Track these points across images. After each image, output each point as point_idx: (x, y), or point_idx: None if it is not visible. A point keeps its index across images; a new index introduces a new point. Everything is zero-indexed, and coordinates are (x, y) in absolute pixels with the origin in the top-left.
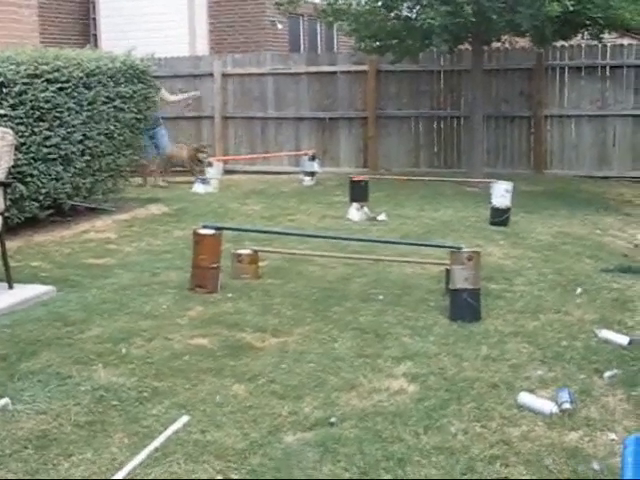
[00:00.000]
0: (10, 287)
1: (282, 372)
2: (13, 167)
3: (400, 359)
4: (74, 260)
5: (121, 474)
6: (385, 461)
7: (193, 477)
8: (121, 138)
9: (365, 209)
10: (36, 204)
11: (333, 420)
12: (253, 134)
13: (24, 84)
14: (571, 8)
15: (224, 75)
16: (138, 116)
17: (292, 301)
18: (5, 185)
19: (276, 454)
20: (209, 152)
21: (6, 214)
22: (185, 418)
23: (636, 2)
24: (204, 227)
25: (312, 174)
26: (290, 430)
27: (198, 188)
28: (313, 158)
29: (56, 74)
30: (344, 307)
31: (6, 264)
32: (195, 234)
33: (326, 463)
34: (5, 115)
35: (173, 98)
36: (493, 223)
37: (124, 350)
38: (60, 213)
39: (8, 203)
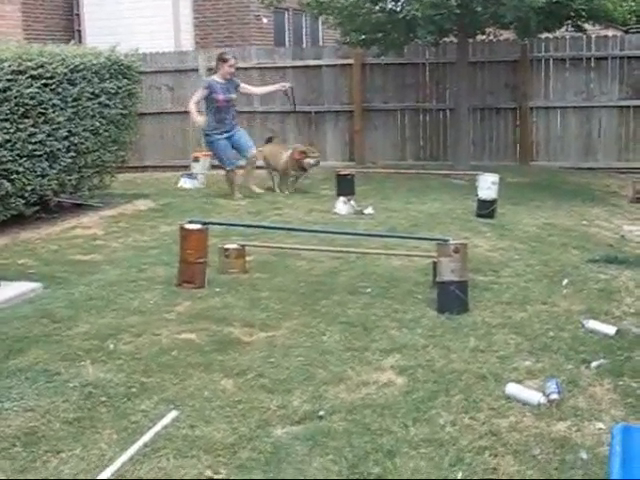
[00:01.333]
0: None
1: (270, 366)
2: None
3: (388, 352)
4: (61, 257)
5: (110, 470)
6: (374, 453)
7: (182, 472)
8: (107, 134)
9: (352, 202)
10: (22, 201)
11: (322, 413)
12: None
13: (8, 80)
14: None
15: (209, 70)
16: (123, 112)
17: (280, 295)
18: None
19: (265, 448)
20: (319, 157)
21: None
22: (174, 413)
23: None
24: (191, 222)
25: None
26: (279, 424)
27: (184, 183)
28: None
29: (40, 70)
30: (332, 300)
31: None
32: (182, 229)
33: (315, 456)
34: None
35: (258, 91)
36: (480, 215)
37: (112, 346)
38: (46, 210)
39: None
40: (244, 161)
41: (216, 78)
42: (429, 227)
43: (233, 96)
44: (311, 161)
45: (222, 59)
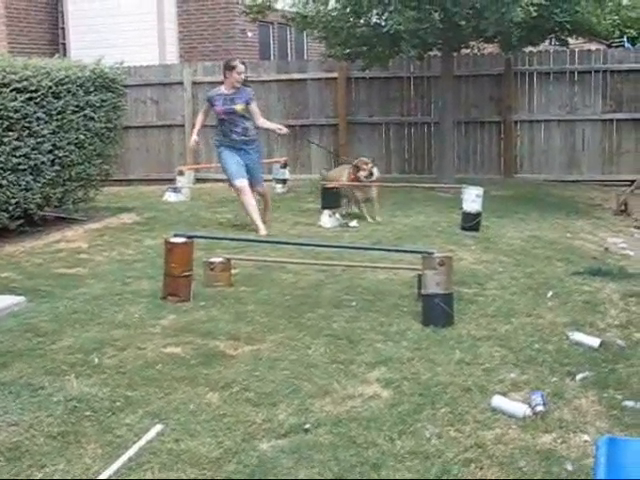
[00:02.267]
0: None
1: (256, 379)
2: None
3: (374, 365)
4: (45, 270)
5: None
6: (360, 466)
7: None
8: (91, 147)
9: (336, 216)
10: (6, 214)
11: (307, 426)
12: None
13: None
14: (534, 14)
15: (194, 83)
16: (108, 125)
17: (265, 308)
18: None
19: (251, 461)
20: (371, 166)
21: None
22: (159, 427)
23: (602, 6)
24: (175, 235)
25: (284, 181)
26: (264, 437)
27: (169, 197)
28: (285, 166)
29: (25, 83)
30: (317, 314)
31: None
32: (166, 243)
33: (301, 469)
34: None
35: (261, 122)
36: (464, 228)
37: (96, 360)
38: (30, 223)
39: None
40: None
41: (222, 88)
42: (414, 240)
43: (237, 107)
44: (363, 174)
45: (229, 66)
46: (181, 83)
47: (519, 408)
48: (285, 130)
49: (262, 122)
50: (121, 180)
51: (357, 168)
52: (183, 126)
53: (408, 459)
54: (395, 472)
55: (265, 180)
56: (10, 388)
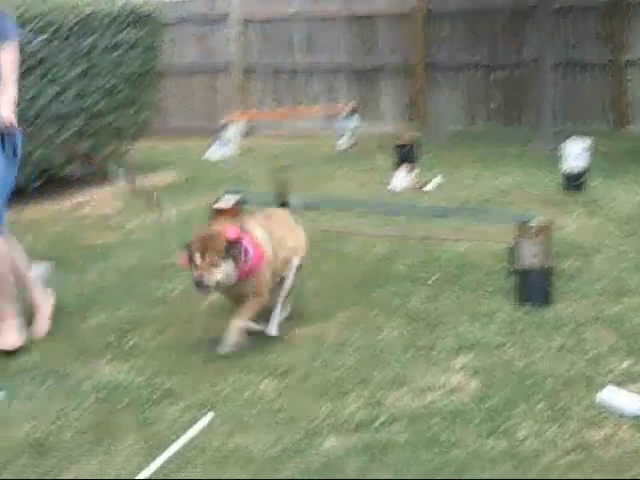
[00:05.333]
0: None
1: (319, 366)
2: None
3: (458, 351)
4: (70, 238)
5: None
6: (442, 469)
7: None
8: (123, 94)
9: (412, 174)
10: (25, 173)
11: (380, 422)
12: (279, 87)
13: None
14: None
15: (245, 19)
16: (143, 68)
17: (329, 283)
18: None
19: (313, 462)
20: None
21: None
22: (206, 420)
23: None
24: (223, 198)
25: (350, 133)
26: (329, 434)
27: (214, 152)
28: (352, 114)
29: (46, 20)
30: (390, 290)
31: None
32: (212, 206)
33: (372, 472)
34: None
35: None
36: (566, 189)
37: (131, 343)
38: (53, 183)
39: None
40: None
41: None
42: (504, 204)
43: None
44: None
45: None
46: (228, 17)
47: (633, 404)
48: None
49: None
50: (158, 132)
51: None
52: (230, 69)
53: (499, 462)
54: (484, 477)
55: (328, 132)
56: (34, 374)
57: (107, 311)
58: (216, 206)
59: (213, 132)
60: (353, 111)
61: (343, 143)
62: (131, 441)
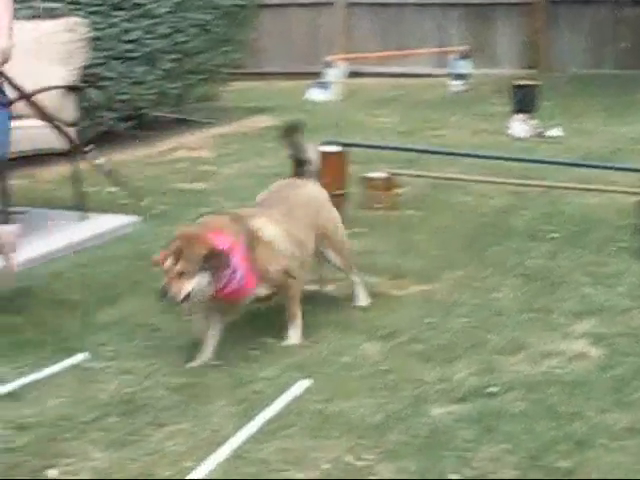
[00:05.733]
0: (84, 217)
1: (427, 328)
2: (86, 67)
3: (580, 315)
4: (160, 185)
5: (226, 449)
6: (561, 443)
7: (315, 455)
8: (218, 31)
9: (532, 122)
10: (113, 114)
11: (493, 390)
12: (385, 25)
13: None
14: None
15: None
16: (239, 2)
17: (439, 238)
18: (77, 90)
19: (420, 431)
20: None
21: (78, 127)
22: (305, 383)
23: None
24: (326, 143)
25: (463, 77)
26: (437, 401)
27: (314, 95)
28: (465, 56)
29: None
30: (506, 247)
31: (79, 188)
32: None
33: (484, 443)
34: (76, 2)
35: None
36: None
37: None
38: (143, 126)
39: (79, 113)
40: None
41: None
42: (634, 154)
43: None
44: None
45: None
46: None
47: None
48: None
49: None
50: (254, 73)
51: None
52: (333, 4)
53: (624, 437)
54: (607, 453)
55: (439, 75)
56: (121, 328)
57: None
58: (318, 149)
59: (313, 74)
60: (466, 55)
61: (455, 88)
62: (224, 402)
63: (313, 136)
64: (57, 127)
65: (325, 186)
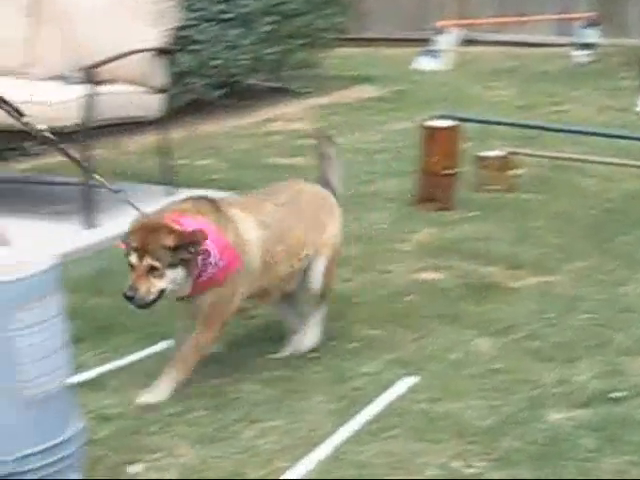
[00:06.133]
0: (173, 192)
1: (545, 324)
2: (177, 30)
3: None
4: (254, 159)
5: (324, 450)
6: None
7: (420, 460)
8: None
9: None
10: (204, 81)
11: (618, 395)
12: None
13: None
14: None
15: None
16: None
17: (559, 225)
18: (167, 53)
19: (536, 437)
20: None
21: (168, 93)
22: (410, 380)
23: None
24: (438, 117)
25: (589, 47)
26: (556, 405)
27: (423, 64)
28: (592, 24)
29: None
30: (635, 237)
31: (168, 161)
32: (423, 127)
33: (607, 454)
34: None
35: None
36: None
37: None
38: (236, 94)
39: (169, 79)
40: None
41: None
42: None
43: None
44: None
45: None
46: None
47: None
48: None
49: None
50: (357, 39)
51: None
52: None
53: None
54: None
55: (561, 45)
56: None
57: None
58: (428, 124)
59: (422, 40)
60: (594, 22)
61: (580, 59)
62: (321, 398)
63: (421, 110)
64: (146, 93)
65: (434, 165)
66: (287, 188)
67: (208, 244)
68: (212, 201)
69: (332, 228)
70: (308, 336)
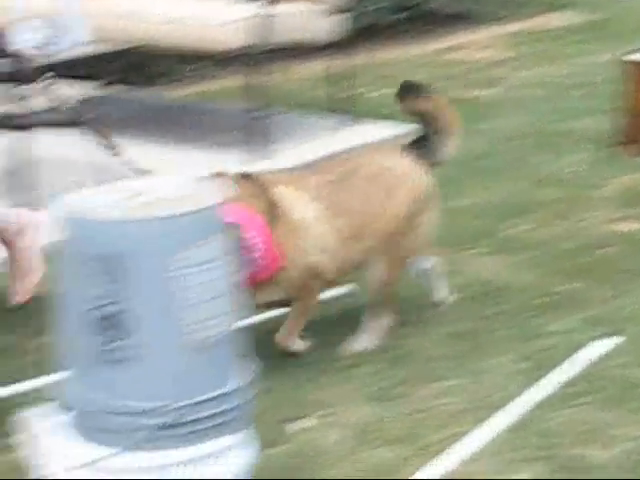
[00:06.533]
0: (348, 123)
1: None
2: None
3: None
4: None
5: (505, 415)
6: None
7: (613, 431)
8: None
9: None
10: (383, 3)
11: None
12: None
13: None
14: None
15: None
16: None
17: None
18: None
19: None
20: None
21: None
22: (607, 342)
23: None
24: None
25: None
26: None
27: None
28: None
29: None
30: None
31: (344, 90)
32: (628, 62)
33: None
34: None
35: None
36: None
37: (510, 232)
38: (416, 19)
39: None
40: None
41: None
42: None
43: None
44: None
45: None
46: None
47: None
48: None
49: None
50: None
51: None
52: None
53: None
54: None
55: None
56: None
57: (475, 189)
58: (632, 58)
59: None
60: None
61: None
62: (506, 357)
63: (626, 42)
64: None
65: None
66: (344, 162)
67: (252, 236)
68: (257, 181)
69: (392, 218)
70: (358, 340)
